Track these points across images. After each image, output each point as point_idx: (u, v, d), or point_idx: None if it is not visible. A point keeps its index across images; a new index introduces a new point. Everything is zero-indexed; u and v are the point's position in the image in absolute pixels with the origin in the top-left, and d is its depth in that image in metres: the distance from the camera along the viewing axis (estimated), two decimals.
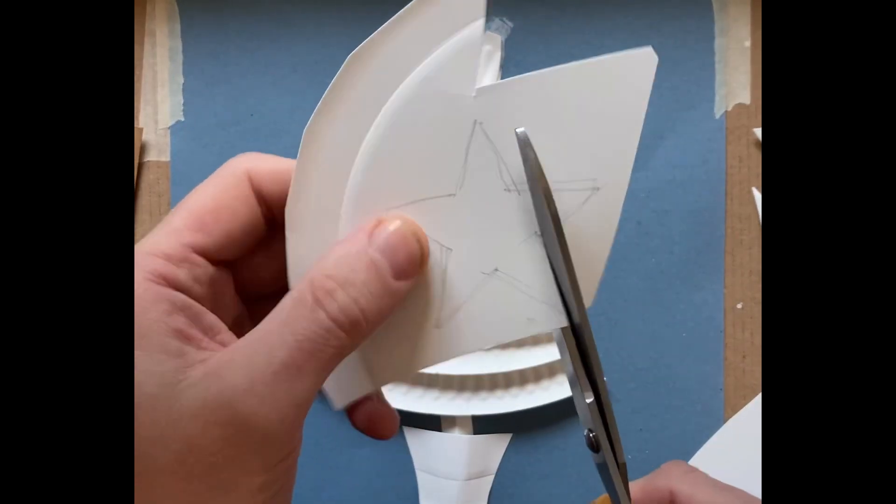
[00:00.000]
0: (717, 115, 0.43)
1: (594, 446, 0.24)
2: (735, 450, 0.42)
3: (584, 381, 0.24)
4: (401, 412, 0.42)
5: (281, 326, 0.22)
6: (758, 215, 0.43)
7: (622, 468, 0.24)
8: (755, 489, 0.30)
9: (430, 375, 0.41)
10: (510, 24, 0.43)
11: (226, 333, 0.23)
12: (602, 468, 0.24)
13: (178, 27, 0.43)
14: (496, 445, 0.43)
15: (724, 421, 0.43)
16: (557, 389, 0.42)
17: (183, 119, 0.43)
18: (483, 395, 0.42)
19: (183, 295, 0.23)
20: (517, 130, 0.22)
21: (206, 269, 0.24)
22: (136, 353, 0.22)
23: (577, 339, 0.24)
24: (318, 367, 0.22)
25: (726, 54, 0.43)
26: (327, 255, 0.23)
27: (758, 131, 0.42)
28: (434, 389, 0.42)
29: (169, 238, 0.23)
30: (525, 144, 0.22)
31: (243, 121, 0.43)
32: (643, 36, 0.43)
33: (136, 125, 0.43)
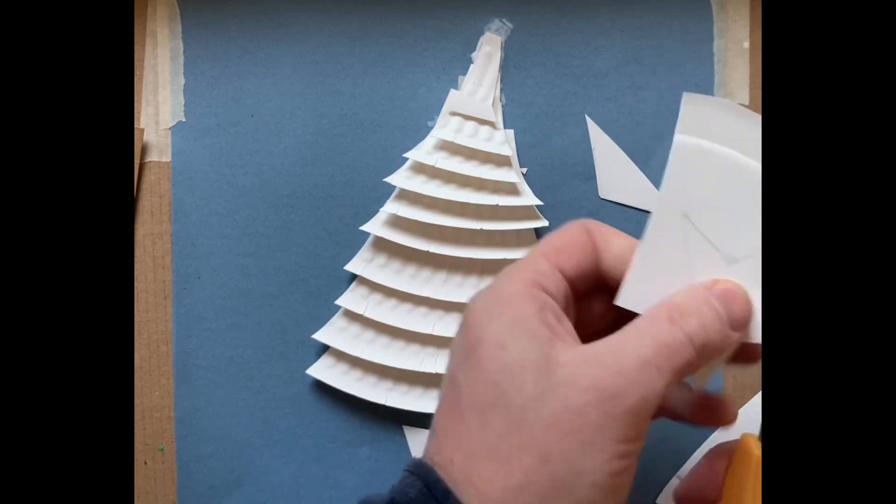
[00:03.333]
0: None
1: None
2: None
3: None
4: (401, 411, 0.42)
5: (641, 333, 0.27)
6: None
7: None
8: None
9: (430, 375, 0.41)
10: (510, 24, 0.43)
11: (576, 336, 0.28)
12: None
13: (178, 28, 0.43)
14: None
15: None
16: None
17: (184, 120, 0.43)
18: None
19: (551, 299, 0.28)
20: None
21: (564, 286, 0.29)
22: (518, 331, 0.26)
23: None
24: (671, 370, 0.26)
25: (725, 55, 0.43)
26: (672, 295, 0.28)
27: None
28: (434, 389, 0.42)
29: (537, 259, 0.29)
30: None
31: (244, 121, 0.43)
32: (643, 36, 0.43)
33: (137, 126, 0.43)
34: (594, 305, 0.31)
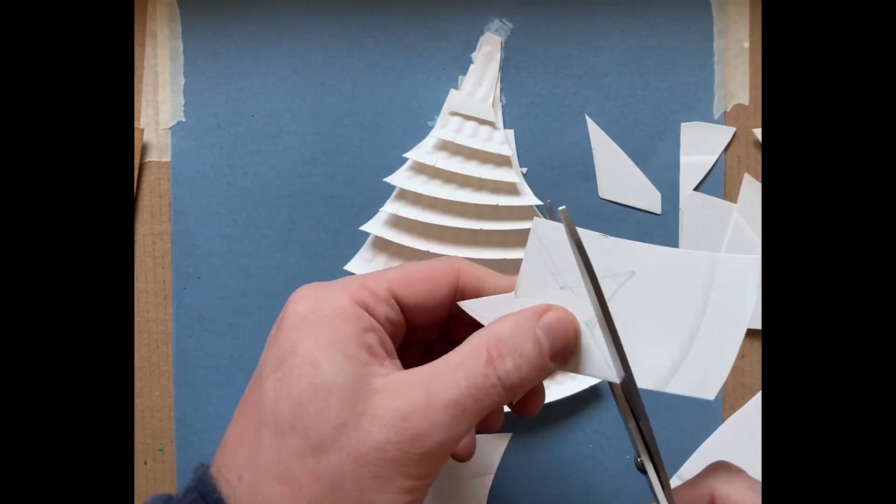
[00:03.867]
0: (717, 116, 0.43)
1: (641, 469, 0.29)
2: (734, 449, 0.43)
3: (626, 407, 0.29)
4: None
5: (455, 368, 0.26)
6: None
7: (666, 486, 0.28)
8: None
9: None
10: (510, 24, 0.43)
11: (396, 360, 0.28)
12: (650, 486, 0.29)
13: (178, 28, 0.43)
14: (496, 445, 0.43)
15: (723, 420, 0.43)
16: (557, 389, 0.42)
17: (184, 120, 0.43)
18: None
19: (376, 322, 0.28)
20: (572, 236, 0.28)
21: (397, 314, 0.29)
22: (334, 352, 0.26)
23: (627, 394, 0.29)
24: (477, 411, 0.26)
25: (725, 55, 0.43)
26: (501, 321, 0.28)
27: (757, 131, 0.43)
28: None
29: (379, 281, 0.29)
30: (579, 251, 0.28)
31: (244, 121, 0.43)
32: (643, 36, 0.43)
33: (137, 126, 0.43)
34: (432, 335, 0.32)
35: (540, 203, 0.42)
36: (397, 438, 0.25)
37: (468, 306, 0.29)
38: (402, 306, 0.29)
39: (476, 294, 0.30)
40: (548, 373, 0.28)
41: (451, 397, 0.26)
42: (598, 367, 0.28)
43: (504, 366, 0.26)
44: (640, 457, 0.29)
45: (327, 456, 0.25)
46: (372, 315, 0.28)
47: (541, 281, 0.29)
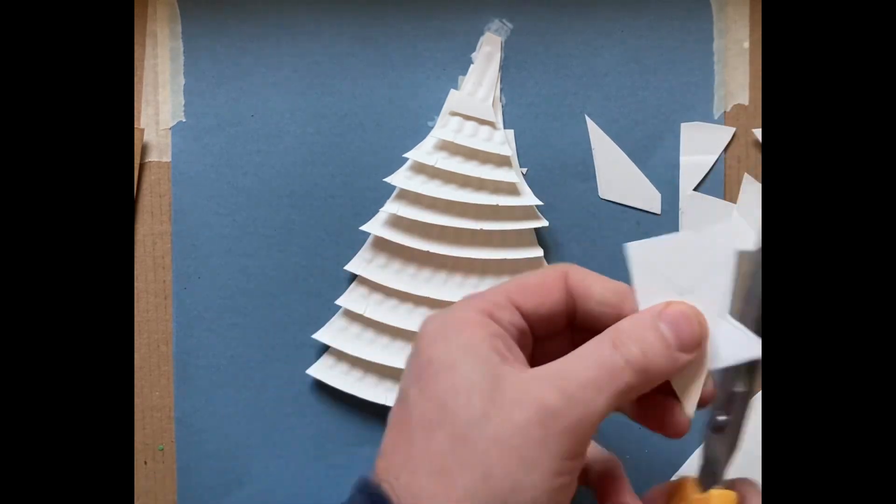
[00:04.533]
0: (716, 116, 0.43)
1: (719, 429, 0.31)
2: None
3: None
4: None
5: (585, 356, 0.28)
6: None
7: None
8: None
9: None
10: (510, 24, 0.43)
11: (526, 365, 0.29)
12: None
13: (179, 28, 0.43)
14: None
15: None
16: None
17: (184, 120, 0.43)
18: None
19: (500, 328, 0.29)
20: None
21: (520, 320, 0.30)
22: (467, 355, 0.27)
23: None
24: (612, 391, 0.27)
25: (725, 55, 0.43)
26: (621, 322, 0.29)
27: (757, 132, 0.43)
28: None
29: (497, 292, 0.30)
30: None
31: (244, 121, 0.43)
32: (643, 36, 0.43)
33: (137, 126, 0.43)
34: (559, 346, 0.32)
35: (540, 203, 0.42)
36: (538, 417, 0.26)
37: (633, 246, 0.30)
38: (522, 313, 0.30)
39: (585, 297, 0.31)
40: (679, 363, 0.28)
41: (584, 377, 0.27)
42: (736, 351, 0.29)
43: (629, 349, 0.27)
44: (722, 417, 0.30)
45: (474, 446, 0.26)
46: (497, 322, 0.29)
47: (655, 289, 0.30)
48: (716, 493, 0.29)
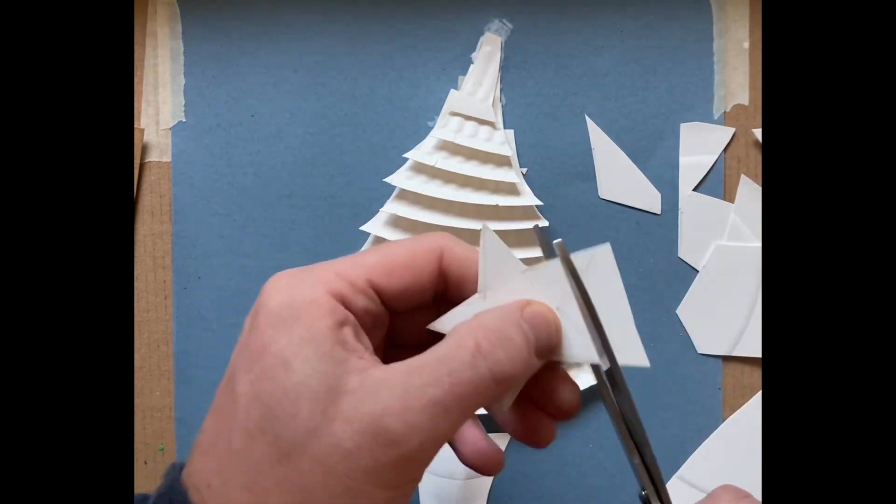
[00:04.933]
0: (716, 116, 0.43)
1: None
2: (733, 448, 0.43)
3: (630, 442, 0.27)
4: None
5: (438, 362, 0.24)
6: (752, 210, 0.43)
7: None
8: (754, 487, 0.30)
9: None
10: (510, 24, 0.43)
11: (375, 357, 0.26)
12: None
13: (179, 28, 0.43)
14: None
15: (723, 420, 0.43)
16: None
17: (184, 120, 0.43)
18: None
19: (353, 315, 0.26)
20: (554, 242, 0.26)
21: (377, 305, 0.27)
22: (307, 350, 0.24)
23: (616, 391, 0.27)
24: (463, 411, 0.24)
25: (725, 55, 0.43)
26: (485, 313, 0.26)
27: (757, 132, 0.43)
28: None
29: (356, 269, 0.26)
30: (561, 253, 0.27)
31: (244, 121, 0.43)
32: (643, 36, 0.43)
33: (137, 126, 0.43)
34: (421, 320, 0.29)
35: (540, 203, 0.42)
36: (370, 444, 0.23)
37: (437, 327, 0.28)
38: (383, 296, 0.27)
39: (461, 277, 0.28)
40: (531, 370, 0.26)
41: (430, 396, 0.23)
42: (581, 352, 0.26)
43: (496, 356, 0.24)
44: (644, 491, 0.27)
45: (297, 465, 0.23)
46: (348, 308, 0.26)
47: (501, 272, 0.27)
48: None
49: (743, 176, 0.43)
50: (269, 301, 0.26)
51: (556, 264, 0.26)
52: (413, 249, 0.27)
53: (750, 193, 0.43)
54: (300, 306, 0.25)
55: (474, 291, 0.27)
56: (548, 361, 0.27)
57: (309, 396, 0.24)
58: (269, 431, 0.24)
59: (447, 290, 0.28)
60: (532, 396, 0.28)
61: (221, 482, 0.24)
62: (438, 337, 0.26)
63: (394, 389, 0.24)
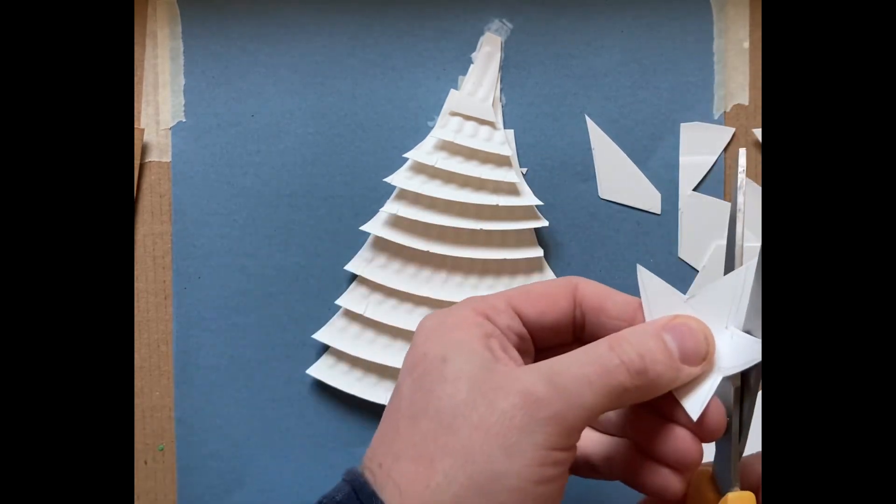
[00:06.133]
0: (716, 116, 0.43)
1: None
2: None
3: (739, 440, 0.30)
4: None
5: (579, 354, 0.27)
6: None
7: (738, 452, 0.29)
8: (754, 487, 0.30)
9: None
10: (510, 24, 0.43)
11: (520, 361, 0.29)
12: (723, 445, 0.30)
13: (179, 28, 0.43)
14: None
15: None
16: None
17: (184, 120, 0.43)
18: None
19: (496, 329, 0.29)
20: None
21: (519, 325, 0.30)
22: (461, 350, 0.28)
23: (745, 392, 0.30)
24: (602, 387, 0.26)
25: (725, 55, 0.43)
26: (624, 330, 0.28)
27: (757, 132, 0.43)
28: None
29: (497, 297, 0.30)
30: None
31: (244, 121, 0.43)
32: (642, 36, 0.43)
33: (137, 126, 0.43)
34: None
35: (540, 203, 0.42)
36: (522, 403, 0.26)
37: (644, 272, 0.30)
38: (523, 319, 0.30)
39: (596, 307, 0.30)
40: (683, 374, 0.28)
41: (576, 371, 0.26)
42: (740, 357, 0.28)
43: (626, 351, 0.27)
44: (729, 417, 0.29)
45: (457, 432, 0.26)
46: (493, 324, 0.29)
47: (665, 306, 0.30)
48: (732, 496, 0.29)
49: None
50: (424, 324, 0.30)
51: (716, 285, 0.29)
52: (548, 282, 0.31)
53: (748, 194, 0.43)
54: (452, 322, 0.29)
55: (611, 322, 0.30)
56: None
57: (466, 378, 0.27)
58: (430, 410, 0.27)
59: (585, 323, 0.31)
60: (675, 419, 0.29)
61: (391, 459, 0.27)
62: None
63: (540, 369, 0.27)
